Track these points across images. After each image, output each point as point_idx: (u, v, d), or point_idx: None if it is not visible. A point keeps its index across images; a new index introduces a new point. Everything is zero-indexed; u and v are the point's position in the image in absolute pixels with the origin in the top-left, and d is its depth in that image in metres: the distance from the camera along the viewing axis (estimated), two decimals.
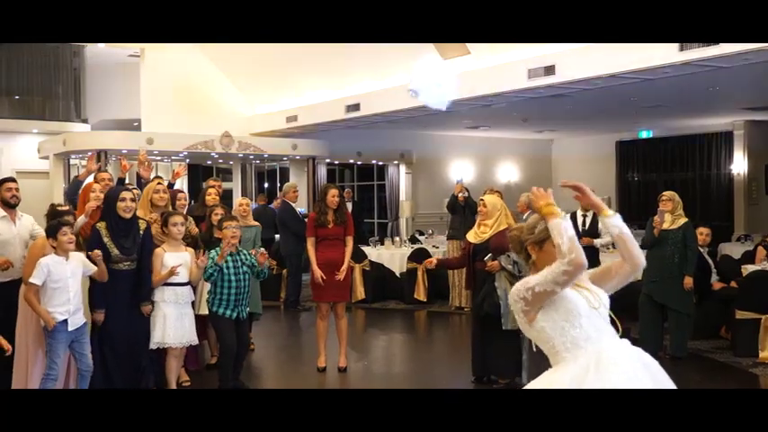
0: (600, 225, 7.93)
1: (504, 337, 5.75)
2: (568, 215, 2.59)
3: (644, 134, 16.93)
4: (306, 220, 10.83)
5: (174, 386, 5.55)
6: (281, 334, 8.99)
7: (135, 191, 5.70)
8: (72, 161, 14.31)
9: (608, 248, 8.46)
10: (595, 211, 2.73)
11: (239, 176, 15.81)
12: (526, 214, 7.99)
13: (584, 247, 7.52)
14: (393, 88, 11.46)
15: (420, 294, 10.40)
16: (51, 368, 4.77)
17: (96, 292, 5.13)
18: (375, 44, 10.58)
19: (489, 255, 5.77)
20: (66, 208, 5.67)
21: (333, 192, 6.46)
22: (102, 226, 5.17)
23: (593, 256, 8.03)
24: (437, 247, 11.14)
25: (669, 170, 16.75)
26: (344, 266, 6.45)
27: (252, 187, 16.29)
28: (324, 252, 6.43)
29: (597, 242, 7.81)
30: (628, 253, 2.67)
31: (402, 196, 16.72)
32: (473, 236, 5.96)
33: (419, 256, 10.53)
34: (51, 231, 4.82)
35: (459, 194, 10.07)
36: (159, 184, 6.06)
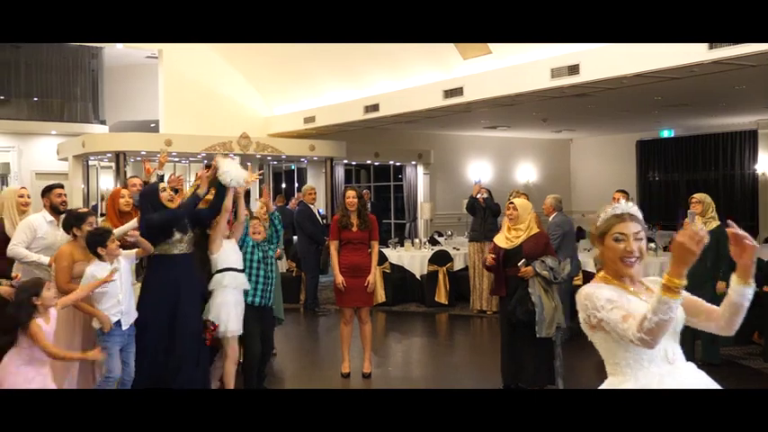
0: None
1: (536, 344, 5.62)
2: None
3: (665, 133, 16.72)
4: (323, 221, 10.86)
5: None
6: (302, 338, 8.90)
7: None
8: (91, 162, 14.31)
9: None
10: (740, 272, 2.39)
11: None
12: (552, 216, 7.86)
13: None
14: (412, 88, 11.37)
15: (441, 297, 10.30)
16: (110, 370, 4.73)
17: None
18: (394, 44, 10.51)
19: (523, 260, 5.64)
20: (86, 210, 5.54)
21: (349, 193, 6.39)
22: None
23: None
24: (458, 249, 11.02)
25: (691, 170, 16.53)
26: (372, 276, 6.37)
27: (269, 188, 16.22)
28: (347, 256, 6.33)
29: None
30: (731, 319, 2.45)
31: (420, 197, 16.61)
32: (504, 240, 5.81)
33: (440, 258, 10.43)
34: (100, 240, 4.70)
35: (478, 196, 9.95)
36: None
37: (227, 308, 5.23)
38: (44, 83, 17.05)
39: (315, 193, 10.62)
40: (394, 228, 17.12)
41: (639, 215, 2.53)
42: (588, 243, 10.00)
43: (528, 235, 5.74)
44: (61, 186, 5.76)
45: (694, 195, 6.78)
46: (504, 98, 10.31)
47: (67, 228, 5.00)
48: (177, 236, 5.13)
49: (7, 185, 16.54)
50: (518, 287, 5.71)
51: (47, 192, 5.63)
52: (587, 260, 8.94)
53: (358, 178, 17.99)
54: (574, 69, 8.80)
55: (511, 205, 5.80)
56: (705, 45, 7.26)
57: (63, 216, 5.33)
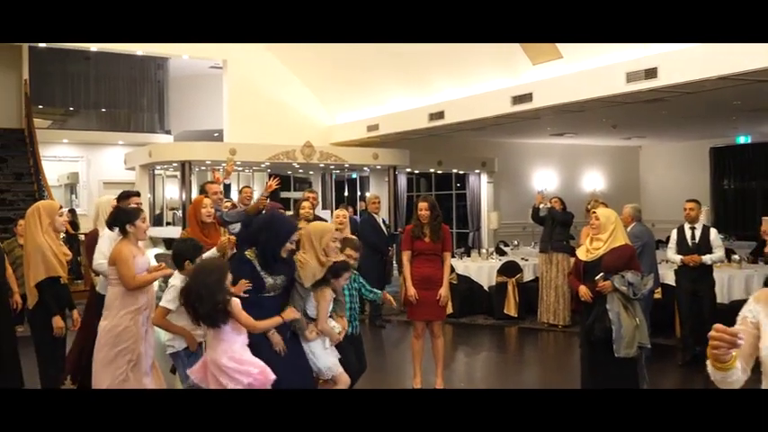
0: (711, 238, 7.38)
1: (617, 364, 5.27)
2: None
3: (741, 139, 16.05)
4: (387, 230, 10.66)
5: None
6: (368, 352, 8.66)
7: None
8: (157, 172, 14.46)
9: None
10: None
11: (319, 186, 15.72)
12: (630, 227, 7.49)
13: (697, 267, 6.84)
14: (479, 95, 11.12)
15: (510, 309, 9.98)
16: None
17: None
18: (459, 49, 10.28)
19: (601, 274, 5.32)
20: (135, 206, 5.27)
21: (422, 205, 6.15)
22: (252, 255, 4.31)
23: (706, 273, 7.46)
24: (526, 260, 10.69)
25: None
26: (444, 289, 6.11)
27: (331, 196, 16.17)
28: (419, 268, 6.11)
29: (706, 258, 7.28)
30: None
31: (484, 206, 16.32)
32: (584, 252, 5.51)
33: (509, 269, 10.13)
34: (195, 253, 4.51)
35: (541, 205, 9.66)
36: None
37: (316, 350, 4.64)
38: (112, 94, 17.43)
39: (379, 203, 10.42)
40: (456, 237, 16.86)
41: None
42: (666, 254, 9.57)
43: (609, 247, 5.42)
44: (138, 194, 5.67)
45: None
46: (574, 104, 9.98)
47: (117, 224, 4.63)
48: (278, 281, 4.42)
49: (76, 195, 16.90)
50: (596, 303, 5.41)
51: (123, 199, 5.52)
52: (666, 272, 8.53)
53: (418, 187, 17.79)
54: (651, 73, 8.43)
55: (593, 215, 5.50)
56: None
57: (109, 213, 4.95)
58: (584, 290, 5.43)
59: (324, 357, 4.67)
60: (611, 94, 9.16)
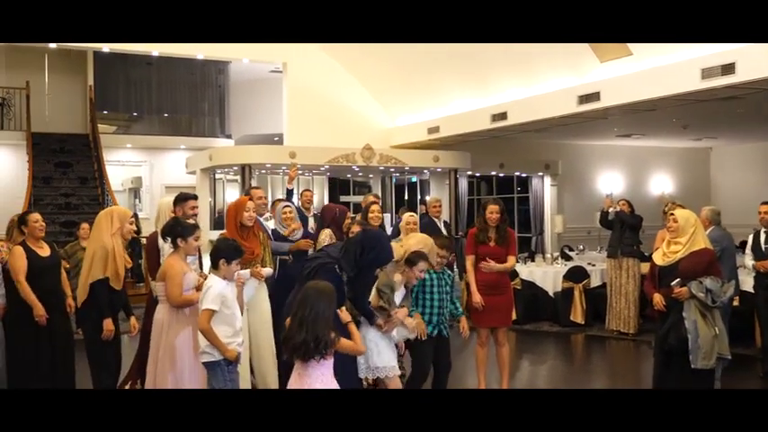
0: None
1: (692, 375, 4.96)
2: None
3: None
4: (449, 233, 10.40)
5: None
6: None
7: None
8: (217, 176, 14.55)
9: None
10: None
11: (379, 189, 15.57)
12: (708, 231, 7.10)
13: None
14: (544, 95, 10.78)
15: (577, 316, 9.63)
16: None
17: None
18: (522, 48, 9.98)
19: (677, 280, 5.01)
20: (193, 222, 5.21)
21: (491, 208, 5.91)
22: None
23: None
24: (593, 265, 10.31)
25: None
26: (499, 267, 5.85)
27: (391, 200, 16.01)
28: (484, 273, 5.87)
29: None
30: None
31: (547, 209, 15.92)
32: (660, 257, 5.21)
33: (576, 274, 9.78)
34: (234, 255, 4.37)
35: (610, 209, 9.28)
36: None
37: (375, 342, 4.56)
38: (173, 99, 17.68)
39: (440, 206, 10.17)
40: (518, 241, 16.47)
41: None
42: (743, 260, 9.10)
43: (688, 250, 5.10)
44: (195, 198, 5.61)
45: None
46: (644, 103, 9.56)
47: (171, 235, 4.64)
48: None
49: (139, 199, 17.17)
50: (672, 310, 5.09)
51: (180, 201, 5.47)
52: (744, 278, 8.08)
53: (479, 190, 17.47)
54: (728, 69, 7.99)
55: (671, 217, 5.19)
56: None
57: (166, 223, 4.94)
58: (658, 298, 5.15)
59: (385, 353, 4.58)
60: (685, 92, 8.72)
